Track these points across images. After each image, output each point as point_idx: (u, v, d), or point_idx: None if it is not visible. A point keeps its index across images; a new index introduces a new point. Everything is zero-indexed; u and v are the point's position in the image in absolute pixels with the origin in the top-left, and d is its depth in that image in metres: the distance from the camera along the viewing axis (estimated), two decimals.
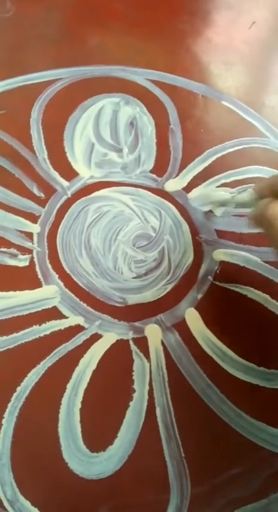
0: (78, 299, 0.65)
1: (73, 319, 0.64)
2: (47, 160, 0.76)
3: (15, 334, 0.62)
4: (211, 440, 0.59)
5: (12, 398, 0.58)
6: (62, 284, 0.66)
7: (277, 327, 0.67)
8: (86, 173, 0.76)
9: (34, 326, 0.62)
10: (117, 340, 0.63)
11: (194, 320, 0.66)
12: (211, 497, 0.56)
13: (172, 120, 0.85)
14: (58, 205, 0.72)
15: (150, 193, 0.76)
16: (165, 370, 0.62)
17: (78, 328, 0.63)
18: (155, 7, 1.04)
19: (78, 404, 0.59)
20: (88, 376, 0.60)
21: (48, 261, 0.68)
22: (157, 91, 0.88)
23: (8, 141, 0.77)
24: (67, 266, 0.68)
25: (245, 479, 0.57)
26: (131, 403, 0.59)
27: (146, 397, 0.60)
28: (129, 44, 0.95)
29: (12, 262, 0.67)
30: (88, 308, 0.65)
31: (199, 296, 0.68)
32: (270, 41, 1.04)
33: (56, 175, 0.75)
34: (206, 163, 0.81)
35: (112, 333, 0.64)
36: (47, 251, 0.68)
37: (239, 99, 0.90)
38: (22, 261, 0.67)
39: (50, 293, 0.65)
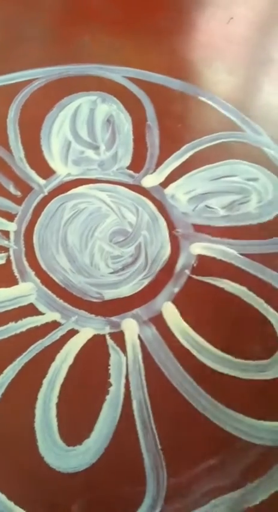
0: (54, 295, 0.66)
1: (50, 316, 0.64)
2: (24, 159, 0.77)
3: None
4: (188, 432, 0.59)
5: None
6: (38, 281, 0.67)
7: (254, 319, 0.68)
8: (63, 171, 0.77)
9: (10, 323, 0.63)
10: (94, 335, 0.64)
11: (171, 314, 0.67)
12: (188, 488, 0.56)
13: (149, 116, 0.85)
14: (35, 203, 0.73)
15: (127, 189, 0.77)
16: (141, 364, 0.62)
17: (55, 324, 0.64)
18: (132, 5, 1.05)
19: (55, 399, 0.59)
20: (65, 371, 0.61)
21: (24, 259, 0.68)
22: (134, 88, 0.89)
23: None
24: (44, 263, 0.68)
25: (222, 470, 0.58)
26: (107, 397, 0.60)
27: (122, 390, 0.60)
28: (105, 42, 0.96)
29: None
30: (65, 304, 0.65)
31: (176, 290, 0.68)
32: (248, 36, 1.05)
33: (32, 173, 0.76)
34: (183, 158, 0.81)
35: (88, 328, 0.64)
36: (23, 249, 0.69)
37: (217, 95, 0.91)
38: None
39: (26, 290, 0.66)
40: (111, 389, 0.60)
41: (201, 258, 0.72)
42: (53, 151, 0.78)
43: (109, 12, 1.02)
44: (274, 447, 0.59)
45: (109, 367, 0.62)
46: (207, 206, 0.77)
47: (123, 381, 0.61)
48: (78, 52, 0.94)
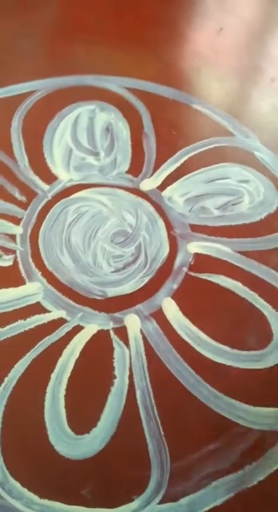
0: (60, 294, 0.70)
1: (56, 313, 0.68)
2: (28, 166, 0.81)
3: (1, 329, 0.65)
4: (189, 419, 0.63)
5: (0, 389, 0.62)
6: (44, 281, 0.70)
7: (249, 311, 0.72)
8: (65, 177, 0.81)
9: (19, 321, 0.66)
10: (98, 331, 0.67)
11: (170, 308, 0.71)
12: (189, 471, 0.59)
13: (146, 124, 0.90)
14: (39, 208, 0.77)
15: (126, 192, 0.81)
16: (144, 356, 0.66)
17: (61, 321, 0.67)
18: (124, 17, 1.09)
19: (63, 392, 0.62)
20: (72, 365, 0.64)
21: (31, 260, 0.72)
22: (130, 97, 0.93)
23: None
24: (49, 264, 0.72)
25: (222, 454, 0.61)
26: (112, 388, 0.63)
27: (126, 381, 0.64)
28: (101, 54, 1.00)
29: None
30: (70, 302, 0.69)
31: (175, 286, 0.72)
32: (237, 46, 1.10)
33: (36, 179, 0.80)
34: (178, 163, 0.85)
35: (93, 324, 0.68)
36: (29, 251, 0.73)
37: (208, 102, 0.96)
38: (6, 261, 0.71)
39: (33, 290, 0.69)
40: (116, 381, 0.64)
41: (197, 256, 0.76)
42: (56, 159, 0.82)
43: (103, 26, 1.06)
44: (270, 431, 0.63)
45: (113, 360, 0.65)
46: (202, 207, 0.81)
47: (127, 372, 0.64)
48: (75, 64, 0.98)
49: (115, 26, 1.07)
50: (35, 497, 0.56)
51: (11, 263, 0.71)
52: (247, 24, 1.16)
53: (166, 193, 0.82)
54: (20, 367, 0.63)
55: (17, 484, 0.57)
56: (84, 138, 0.86)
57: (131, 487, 0.58)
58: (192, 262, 0.75)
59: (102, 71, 0.96)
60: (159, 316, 0.69)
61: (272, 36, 1.16)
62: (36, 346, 0.65)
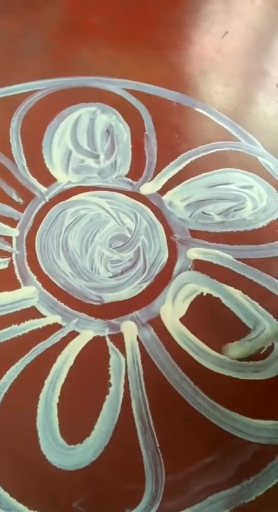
0: (55, 299, 0.68)
1: (51, 318, 0.66)
2: (26, 168, 0.79)
3: None
4: (185, 431, 0.61)
5: None
6: (40, 285, 0.69)
7: (249, 320, 0.70)
8: (64, 179, 0.79)
9: (13, 325, 0.65)
10: (94, 337, 0.66)
11: (169, 316, 0.69)
12: (185, 485, 0.58)
13: (147, 126, 0.88)
14: (36, 210, 0.75)
15: (125, 196, 0.79)
16: (140, 365, 0.64)
17: (56, 327, 0.66)
18: (131, 20, 1.08)
19: (56, 399, 0.61)
20: (66, 372, 0.62)
21: (26, 263, 0.70)
22: (132, 99, 0.92)
23: None
24: (45, 267, 0.70)
25: (218, 467, 0.59)
26: (107, 397, 0.61)
27: (122, 390, 0.62)
28: (105, 55, 0.99)
29: None
30: (66, 307, 0.67)
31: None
32: (242, 50, 1.09)
33: (34, 181, 0.78)
34: (180, 167, 0.84)
35: (89, 330, 0.66)
36: (25, 254, 0.71)
37: (212, 106, 0.94)
38: (1, 264, 0.70)
39: (28, 294, 0.68)
40: (111, 389, 0.62)
41: (197, 262, 0.74)
42: (54, 160, 0.81)
43: (108, 27, 1.06)
44: (269, 445, 0.61)
45: (109, 368, 0.63)
46: (203, 212, 0.79)
47: (123, 381, 0.63)
48: (78, 65, 0.97)
49: (120, 27, 1.06)
50: (24, 509, 0.54)
51: (6, 266, 0.70)
52: (253, 28, 1.15)
53: (166, 197, 0.80)
54: (12, 373, 0.61)
55: (6, 495, 0.55)
56: (84, 140, 0.85)
57: (124, 500, 0.56)
58: (192, 269, 0.73)
59: (106, 73, 0.95)
60: (156, 323, 0.68)
61: None
62: (29, 352, 0.63)
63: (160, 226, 0.77)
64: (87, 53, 0.99)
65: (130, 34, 1.05)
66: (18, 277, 0.69)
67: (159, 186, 0.81)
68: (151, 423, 0.60)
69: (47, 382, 0.61)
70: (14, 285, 0.68)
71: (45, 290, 0.68)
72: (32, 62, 0.96)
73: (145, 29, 1.07)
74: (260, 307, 0.70)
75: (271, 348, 0.67)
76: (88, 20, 1.07)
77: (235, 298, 0.71)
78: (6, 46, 0.99)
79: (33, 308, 0.67)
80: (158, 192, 0.80)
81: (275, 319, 0.70)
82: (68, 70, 0.95)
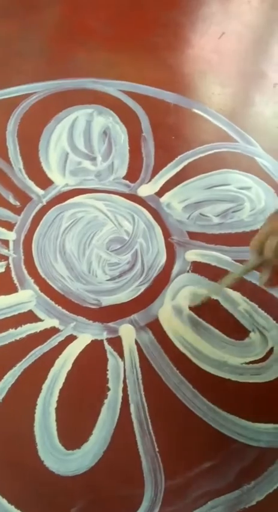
0: (53, 302, 0.67)
1: (49, 322, 0.66)
2: (23, 170, 0.79)
3: None
4: (185, 435, 0.60)
5: None
6: (37, 288, 0.68)
7: (248, 323, 0.69)
8: (61, 181, 0.79)
9: (10, 330, 0.64)
10: (92, 341, 0.65)
11: (167, 319, 0.68)
12: (185, 490, 0.57)
13: (144, 128, 0.88)
14: (33, 213, 0.75)
15: (123, 198, 0.79)
16: (138, 368, 0.64)
17: (54, 331, 0.65)
18: (127, 22, 1.08)
19: (54, 404, 0.60)
20: (64, 377, 0.62)
21: (23, 267, 0.70)
22: (129, 101, 0.91)
23: None
24: (42, 271, 0.70)
25: (218, 472, 0.59)
26: (106, 401, 0.61)
27: (120, 394, 0.61)
28: (102, 57, 0.99)
29: None
30: (63, 311, 0.67)
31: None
32: (239, 51, 1.08)
33: (31, 184, 0.78)
34: (178, 168, 0.83)
35: (87, 334, 0.65)
36: (22, 257, 0.71)
37: (209, 107, 0.94)
38: None
39: (25, 297, 0.67)
40: (109, 393, 0.61)
41: (195, 264, 0.74)
42: (51, 163, 0.81)
43: (105, 29, 1.06)
44: (269, 449, 0.60)
45: (107, 372, 0.63)
46: (201, 214, 0.79)
47: (121, 385, 0.62)
48: (74, 67, 0.97)
49: (117, 29, 1.06)
50: None
51: (3, 270, 0.69)
52: (250, 29, 1.15)
53: (164, 199, 0.80)
54: (10, 378, 0.61)
55: (4, 501, 0.54)
56: (80, 142, 0.84)
57: (123, 505, 0.56)
58: (190, 271, 0.72)
59: (102, 75, 0.94)
60: (155, 326, 0.67)
61: (275, 41, 1.15)
62: (27, 356, 0.62)
63: (158, 229, 0.76)
64: (84, 56, 0.99)
65: (126, 36, 1.05)
66: (15, 281, 0.68)
67: (157, 188, 0.81)
68: (150, 427, 0.60)
69: (44, 386, 0.61)
70: (11, 289, 0.68)
71: (42, 294, 0.68)
72: (28, 65, 0.96)
73: (142, 31, 1.07)
74: (259, 309, 0.70)
75: (270, 351, 0.67)
76: (85, 22, 1.06)
77: (233, 300, 0.70)
78: (3, 48, 0.98)
79: (30, 312, 0.66)
80: (156, 194, 0.80)
81: (274, 321, 0.69)
82: (64, 73, 0.94)
